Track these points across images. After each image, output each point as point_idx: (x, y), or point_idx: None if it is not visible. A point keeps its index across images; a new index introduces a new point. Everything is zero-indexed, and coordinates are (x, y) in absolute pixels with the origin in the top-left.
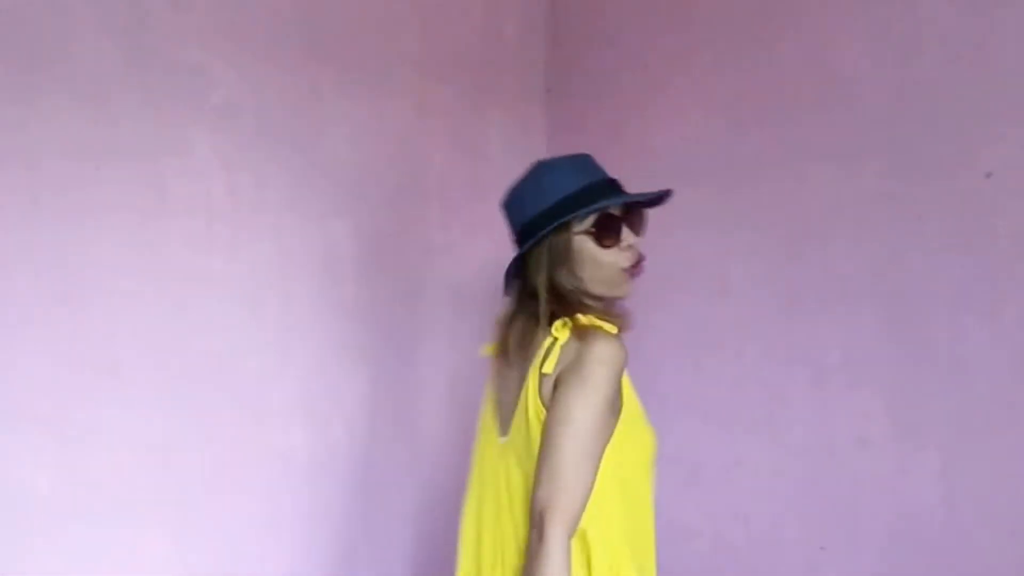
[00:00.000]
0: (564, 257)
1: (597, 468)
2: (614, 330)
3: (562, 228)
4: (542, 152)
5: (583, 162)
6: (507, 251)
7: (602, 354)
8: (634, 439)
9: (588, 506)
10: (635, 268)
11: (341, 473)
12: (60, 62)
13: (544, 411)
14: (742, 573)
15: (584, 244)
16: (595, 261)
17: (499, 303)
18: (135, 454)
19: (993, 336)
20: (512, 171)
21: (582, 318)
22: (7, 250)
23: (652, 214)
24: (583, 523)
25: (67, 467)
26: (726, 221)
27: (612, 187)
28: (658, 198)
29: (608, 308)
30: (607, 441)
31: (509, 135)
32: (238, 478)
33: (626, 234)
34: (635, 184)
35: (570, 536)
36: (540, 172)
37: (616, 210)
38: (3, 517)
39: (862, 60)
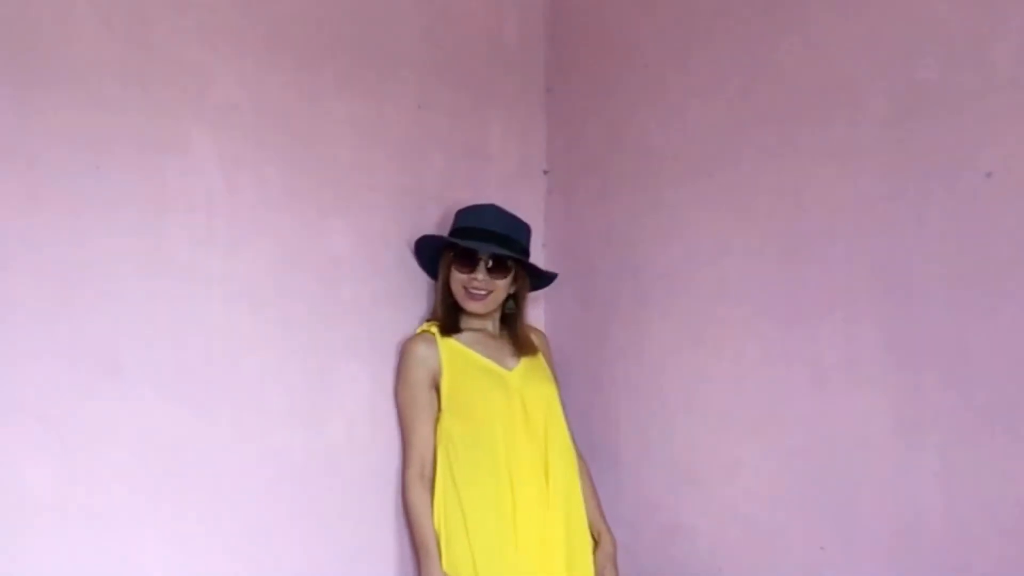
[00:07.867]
0: None
1: (419, 432)
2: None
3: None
4: (542, 152)
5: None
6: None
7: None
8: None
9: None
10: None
11: (341, 473)
12: (60, 60)
13: None
14: (742, 573)
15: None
16: None
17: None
18: (135, 454)
19: (993, 336)
20: (512, 171)
21: None
22: (7, 248)
23: (651, 214)
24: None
25: (67, 467)
26: (726, 221)
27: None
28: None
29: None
30: (422, 415)
31: (509, 135)
32: (237, 478)
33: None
34: (635, 184)
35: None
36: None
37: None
38: (3, 517)
39: (862, 60)
